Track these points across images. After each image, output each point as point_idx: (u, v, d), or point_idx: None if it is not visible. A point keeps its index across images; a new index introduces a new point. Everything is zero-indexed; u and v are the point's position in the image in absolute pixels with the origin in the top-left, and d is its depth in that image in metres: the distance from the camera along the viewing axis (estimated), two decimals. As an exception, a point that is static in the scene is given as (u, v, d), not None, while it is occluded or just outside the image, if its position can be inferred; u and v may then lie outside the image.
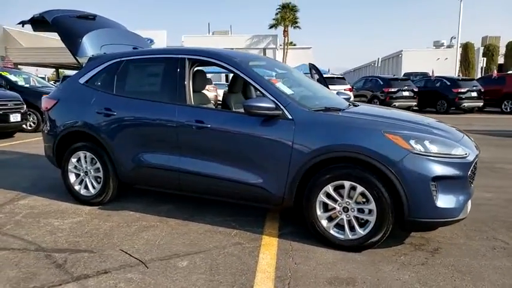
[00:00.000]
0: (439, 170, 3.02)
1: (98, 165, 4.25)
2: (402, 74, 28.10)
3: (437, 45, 53.75)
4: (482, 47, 38.58)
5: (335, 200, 3.26)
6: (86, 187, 4.39)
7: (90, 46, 4.51)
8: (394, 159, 3.01)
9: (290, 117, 3.36)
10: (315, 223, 3.32)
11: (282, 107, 3.39)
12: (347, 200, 3.22)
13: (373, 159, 3.04)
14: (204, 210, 4.21)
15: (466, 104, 17.13)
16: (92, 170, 4.33)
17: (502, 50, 37.06)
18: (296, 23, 52.92)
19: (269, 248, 3.34)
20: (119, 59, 4.26)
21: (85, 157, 4.34)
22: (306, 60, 21.28)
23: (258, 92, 3.72)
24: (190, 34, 48.34)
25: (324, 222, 3.31)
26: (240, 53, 4.11)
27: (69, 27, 4.56)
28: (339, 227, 3.30)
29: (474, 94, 17.32)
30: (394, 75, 24.61)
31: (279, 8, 52.38)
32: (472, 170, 3.26)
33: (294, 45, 55.73)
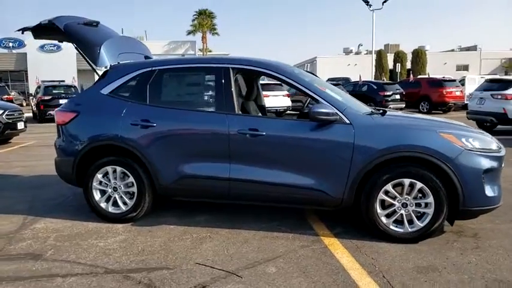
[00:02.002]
0: (486, 163, 3.46)
1: (131, 179, 4.04)
2: (326, 79, 29.71)
3: (347, 51, 58.00)
4: (393, 54, 42.41)
5: (393, 197, 3.54)
6: (115, 204, 4.14)
7: (109, 55, 4.27)
8: (451, 156, 3.38)
9: (347, 121, 3.57)
10: (375, 220, 3.56)
11: (338, 112, 3.58)
12: (406, 196, 3.51)
13: (434, 157, 3.38)
14: (242, 217, 4.23)
15: (392, 105, 18.73)
16: (122, 186, 4.09)
17: (409, 56, 41.19)
18: (214, 29, 53.27)
19: (336, 247, 3.51)
20: (149, 68, 4.10)
21: (114, 172, 4.09)
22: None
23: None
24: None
25: (384, 219, 3.57)
26: (281, 63, 4.21)
27: (83, 35, 4.28)
28: (397, 221, 3.58)
29: (397, 96, 19.08)
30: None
31: (195, 14, 52.28)
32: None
33: (210, 51, 55.98)
